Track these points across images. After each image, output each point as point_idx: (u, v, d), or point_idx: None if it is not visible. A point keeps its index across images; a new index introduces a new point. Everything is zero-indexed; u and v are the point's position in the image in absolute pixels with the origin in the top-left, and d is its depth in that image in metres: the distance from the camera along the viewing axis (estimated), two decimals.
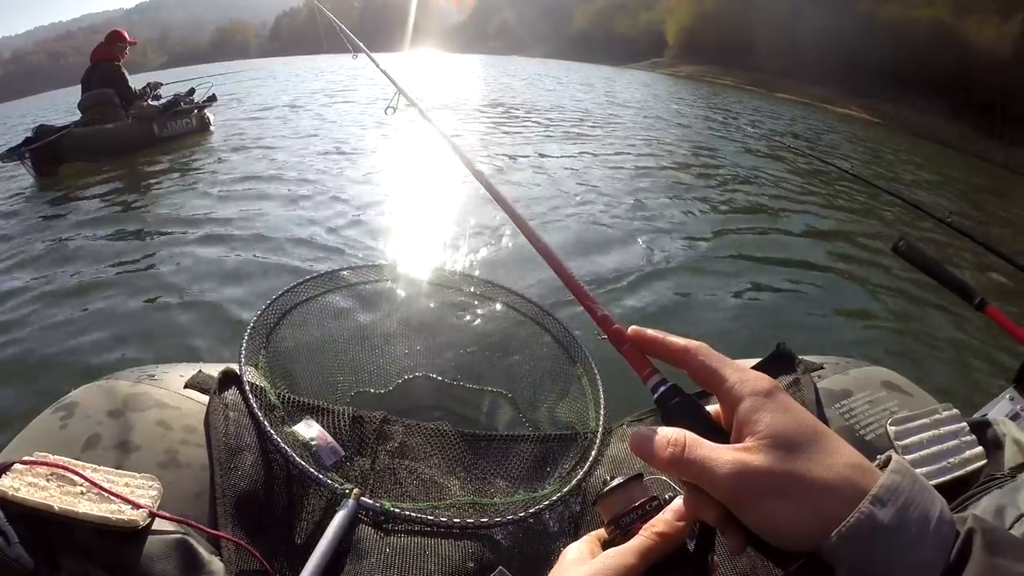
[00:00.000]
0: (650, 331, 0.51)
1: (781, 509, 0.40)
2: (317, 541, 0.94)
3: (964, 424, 1.01)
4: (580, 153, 8.60)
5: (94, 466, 0.85)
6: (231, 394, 1.09)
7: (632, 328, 0.52)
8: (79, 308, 3.48)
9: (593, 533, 0.54)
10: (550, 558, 1.07)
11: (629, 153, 8.88)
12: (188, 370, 1.13)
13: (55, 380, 2.73)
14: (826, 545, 0.39)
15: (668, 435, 0.45)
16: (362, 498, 1.02)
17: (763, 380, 0.45)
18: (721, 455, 0.42)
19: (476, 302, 1.67)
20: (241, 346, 1.20)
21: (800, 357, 1.23)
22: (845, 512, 0.39)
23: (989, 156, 19.67)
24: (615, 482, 0.52)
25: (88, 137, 7.85)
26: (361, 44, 1.61)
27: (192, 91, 9.79)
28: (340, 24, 1.74)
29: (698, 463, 0.43)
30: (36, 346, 3.09)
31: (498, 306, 1.66)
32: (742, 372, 0.46)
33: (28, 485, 0.79)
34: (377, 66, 1.60)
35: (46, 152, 7.31)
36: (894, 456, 0.43)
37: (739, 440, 0.43)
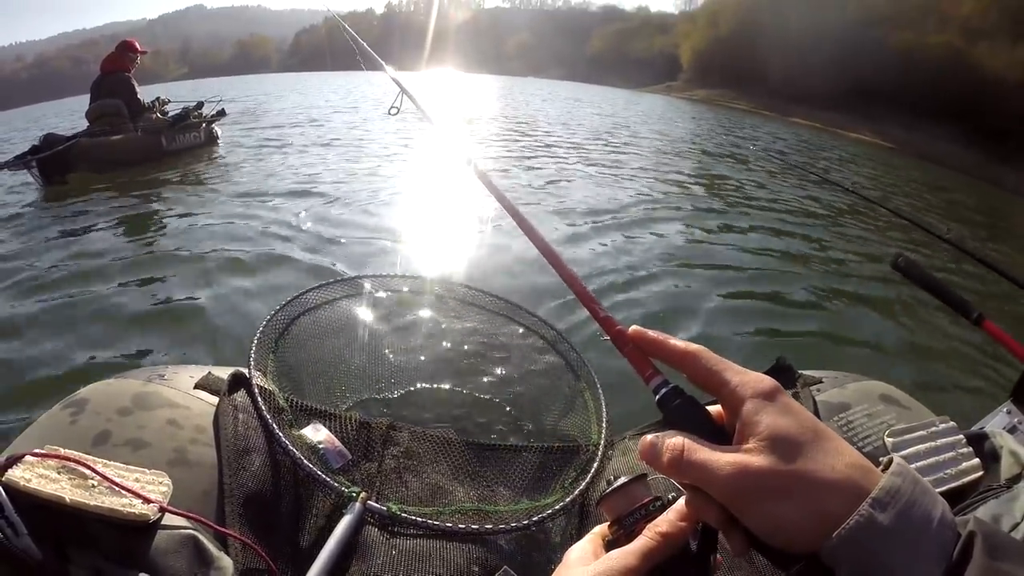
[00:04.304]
0: (651, 332, 0.52)
1: (781, 510, 0.41)
2: (323, 543, 0.94)
3: (961, 436, 1.02)
4: (591, 167, 8.72)
5: (105, 461, 0.86)
6: (240, 396, 1.10)
7: (633, 328, 0.53)
8: (85, 315, 3.50)
9: (596, 531, 0.55)
10: (551, 567, 1.07)
11: (639, 169, 9.04)
12: (198, 372, 1.14)
13: (61, 386, 2.73)
14: (826, 546, 0.39)
15: (669, 439, 0.46)
16: (368, 501, 1.03)
17: (765, 382, 0.45)
18: (721, 457, 0.43)
19: (482, 314, 1.67)
20: (251, 350, 1.21)
21: (800, 371, 1.25)
22: (846, 513, 0.39)
23: (1001, 182, 19.84)
24: (619, 482, 0.53)
25: (96, 147, 7.91)
26: (373, 53, 1.64)
27: (201, 104, 9.86)
28: (354, 34, 1.77)
29: (698, 465, 0.44)
30: (43, 352, 3.10)
31: (504, 319, 1.67)
32: (743, 374, 0.46)
33: (39, 477, 0.79)
34: (384, 69, 1.63)
35: (53, 161, 7.35)
36: (896, 458, 0.43)
37: (741, 442, 0.44)
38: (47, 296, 3.80)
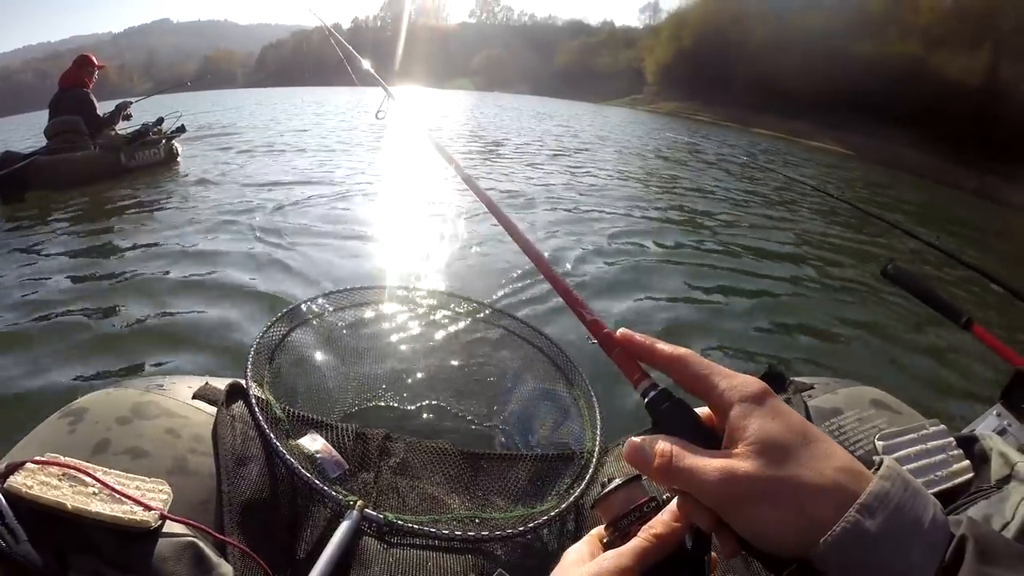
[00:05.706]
0: (639, 336, 0.51)
1: (768, 515, 0.40)
2: (321, 552, 0.95)
3: (951, 439, 1.04)
4: (569, 180, 8.84)
5: (105, 469, 0.85)
6: (238, 407, 1.10)
7: (621, 331, 0.52)
8: (45, 336, 3.34)
9: (593, 532, 0.54)
10: (547, 574, 1.09)
11: (615, 181, 9.20)
12: (195, 382, 1.14)
13: (25, 411, 2.62)
14: (814, 553, 0.39)
15: (658, 445, 0.46)
16: (365, 510, 1.03)
17: (753, 384, 0.45)
18: (708, 462, 0.43)
19: (476, 324, 1.69)
20: (247, 361, 1.21)
21: (791, 378, 1.28)
22: (835, 517, 0.39)
23: (961, 184, 20.75)
24: (614, 484, 0.52)
25: (54, 165, 7.67)
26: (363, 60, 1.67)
27: (161, 120, 9.61)
28: (348, 45, 1.81)
29: (686, 471, 0.43)
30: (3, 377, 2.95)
31: (497, 329, 1.69)
32: (732, 378, 0.46)
33: (40, 484, 0.79)
34: (373, 73, 1.66)
35: (10, 180, 7.13)
36: (887, 460, 0.43)
37: (730, 446, 0.43)
38: (5, 316, 3.63)
